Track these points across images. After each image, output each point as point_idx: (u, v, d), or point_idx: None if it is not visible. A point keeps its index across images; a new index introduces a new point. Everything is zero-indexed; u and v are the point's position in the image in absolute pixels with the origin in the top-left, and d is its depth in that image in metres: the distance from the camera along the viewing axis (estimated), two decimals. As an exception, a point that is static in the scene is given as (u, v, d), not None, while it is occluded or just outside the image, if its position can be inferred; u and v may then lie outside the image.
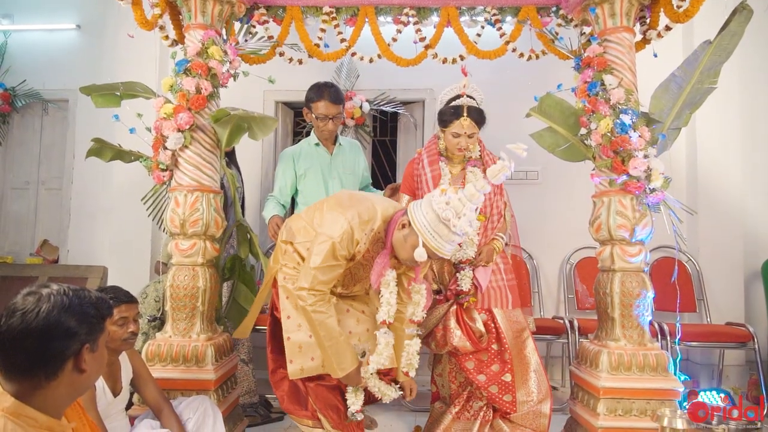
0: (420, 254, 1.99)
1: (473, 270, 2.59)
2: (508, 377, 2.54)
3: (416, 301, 2.25)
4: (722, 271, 3.85)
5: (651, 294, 2.50)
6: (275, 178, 3.17)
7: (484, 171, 2.62)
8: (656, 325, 3.17)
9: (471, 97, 2.67)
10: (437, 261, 2.60)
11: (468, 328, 2.58)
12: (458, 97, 2.67)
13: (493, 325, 2.60)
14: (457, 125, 2.63)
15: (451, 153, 2.72)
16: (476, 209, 2.04)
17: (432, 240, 1.99)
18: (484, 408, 2.59)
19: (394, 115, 4.64)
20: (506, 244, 2.79)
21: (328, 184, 3.07)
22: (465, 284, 2.58)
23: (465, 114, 2.60)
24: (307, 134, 4.61)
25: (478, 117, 2.65)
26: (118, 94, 2.67)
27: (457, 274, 2.60)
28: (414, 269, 2.25)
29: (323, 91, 3.01)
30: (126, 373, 2.13)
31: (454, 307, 2.59)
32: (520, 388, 2.55)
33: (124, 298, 1.99)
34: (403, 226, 2.07)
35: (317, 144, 3.11)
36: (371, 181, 3.42)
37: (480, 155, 2.78)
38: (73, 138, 4.53)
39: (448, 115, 2.67)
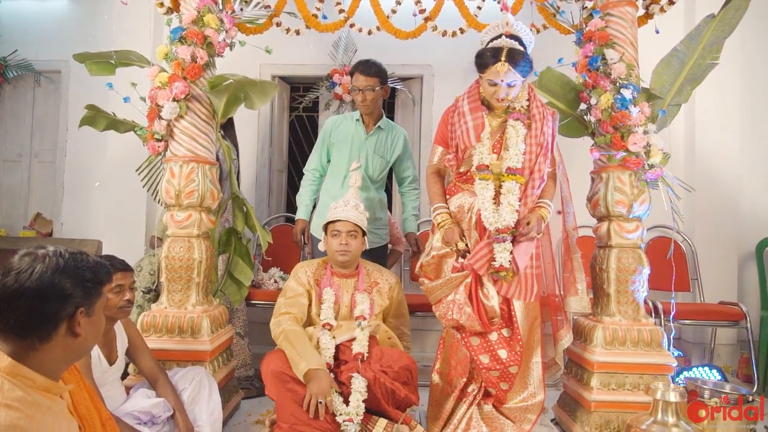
0: (320, 245, 2.63)
1: (513, 244, 2.28)
2: (514, 369, 2.38)
3: (326, 298, 2.49)
4: (717, 251, 3.86)
5: (647, 270, 2.50)
6: (315, 146, 3.20)
7: (530, 126, 2.35)
8: (650, 304, 3.19)
9: (515, 38, 2.27)
10: (464, 222, 2.41)
11: (481, 306, 2.35)
12: (499, 36, 2.27)
13: (506, 310, 2.39)
14: (492, 71, 2.23)
15: (491, 102, 2.37)
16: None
17: (326, 220, 2.55)
18: (476, 390, 2.44)
19: (392, 92, 4.59)
20: (559, 213, 2.51)
21: (353, 160, 3.01)
22: (503, 259, 2.25)
23: (503, 58, 2.21)
24: (304, 110, 4.62)
25: (522, 62, 2.23)
26: (113, 62, 2.62)
27: (495, 246, 2.28)
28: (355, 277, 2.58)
29: (359, 63, 3.04)
30: (121, 342, 2.13)
31: (469, 279, 2.36)
32: (519, 380, 2.43)
33: (120, 266, 1.98)
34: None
35: (358, 120, 3.08)
36: (415, 175, 3.16)
37: (528, 106, 2.38)
38: (66, 110, 4.47)
39: (486, 58, 2.26)
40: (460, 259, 2.39)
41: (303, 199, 3.11)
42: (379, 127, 3.06)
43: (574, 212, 2.56)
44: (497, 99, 2.31)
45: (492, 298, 2.35)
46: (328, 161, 3.14)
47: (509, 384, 2.40)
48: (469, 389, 2.43)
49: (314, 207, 3.18)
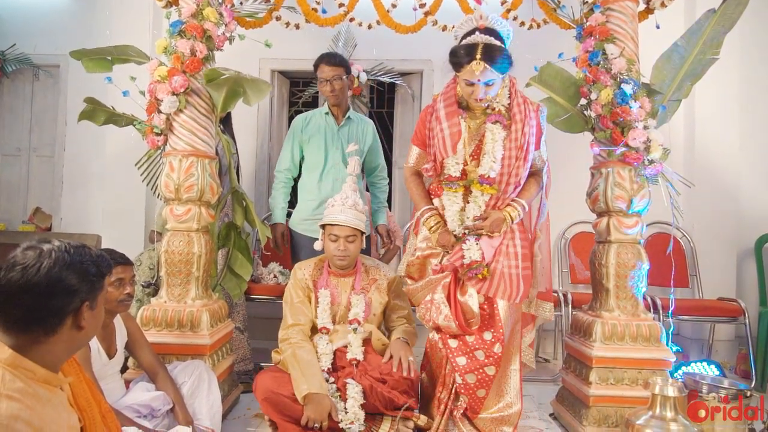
0: (317, 244, 2.52)
1: (477, 240, 2.24)
2: (491, 370, 2.23)
3: (321, 301, 2.46)
4: (716, 247, 3.87)
5: (646, 265, 2.50)
6: (284, 145, 3.19)
7: (510, 126, 2.23)
8: (649, 299, 3.19)
9: (490, 32, 2.10)
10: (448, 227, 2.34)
11: (459, 307, 2.25)
12: (474, 32, 2.12)
13: (489, 312, 2.28)
14: (468, 71, 2.08)
15: (469, 102, 2.23)
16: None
17: (324, 220, 2.45)
18: (447, 398, 2.31)
19: (392, 87, 4.59)
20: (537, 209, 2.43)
21: (329, 153, 3.05)
22: (472, 254, 2.21)
23: (478, 56, 2.05)
24: (304, 104, 4.61)
25: (499, 59, 2.07)
26: (110, 58, 2.61)
27: (462, 246, 2.26)
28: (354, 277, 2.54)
29: (321, 56, 3.08)
30: (121, 336, 2.13)
31: (448, 279, 2.30)
32: (496, 387, 2.30)
33: (120, 259, 1.98)
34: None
35: (327, 113, 3.11)
36: (383, 164, 3.23)
37: (509, 104, 2.24)
38: (65, 104, 4.46)
39: (460, 56, 2.10)
40: (444, 260, 2.33)
41: (278, 202, 3.11)
42: (348, 117, 3.11)
43: (547, 212, 2.55)
44: (475, 99, 2.19)
45: (470, 296, 2.26)
46: (301, 159, 3.14)
47: (486, 390, 2.26)
48: (441, 396, 2.34)
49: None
